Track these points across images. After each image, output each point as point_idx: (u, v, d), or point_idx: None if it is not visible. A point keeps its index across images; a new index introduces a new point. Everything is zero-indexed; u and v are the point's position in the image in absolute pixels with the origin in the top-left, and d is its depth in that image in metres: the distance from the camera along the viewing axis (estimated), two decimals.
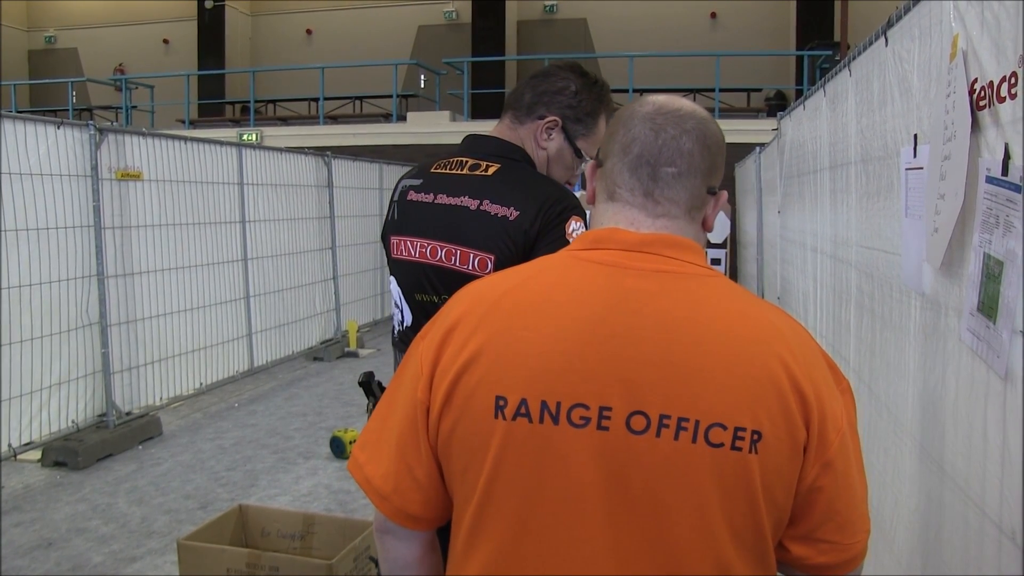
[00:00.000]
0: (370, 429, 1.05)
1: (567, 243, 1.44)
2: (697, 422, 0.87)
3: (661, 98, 1.03)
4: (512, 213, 1.57)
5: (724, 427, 0.87)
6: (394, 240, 1.72)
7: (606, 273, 0.95)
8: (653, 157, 0.99)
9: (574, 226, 1.57)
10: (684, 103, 1.02)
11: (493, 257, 1.56)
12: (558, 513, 0.90)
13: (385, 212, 1.82)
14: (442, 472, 0.99)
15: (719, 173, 1.03)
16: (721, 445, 0.87)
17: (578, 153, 1.73)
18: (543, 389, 0.90)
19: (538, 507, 0.91)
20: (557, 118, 1.70)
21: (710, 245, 9.86)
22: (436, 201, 1.66)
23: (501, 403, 0.91)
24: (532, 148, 1.72)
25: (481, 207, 1.59)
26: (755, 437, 0.87)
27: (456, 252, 1.60)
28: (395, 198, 1.76)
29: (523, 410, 0.90)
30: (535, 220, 1.55)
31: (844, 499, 0.93)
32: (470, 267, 1.58)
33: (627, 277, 0.94)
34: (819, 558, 0.95)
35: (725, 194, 1.05)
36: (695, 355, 0.89)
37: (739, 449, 0.87)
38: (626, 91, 12.08)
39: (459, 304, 1.01)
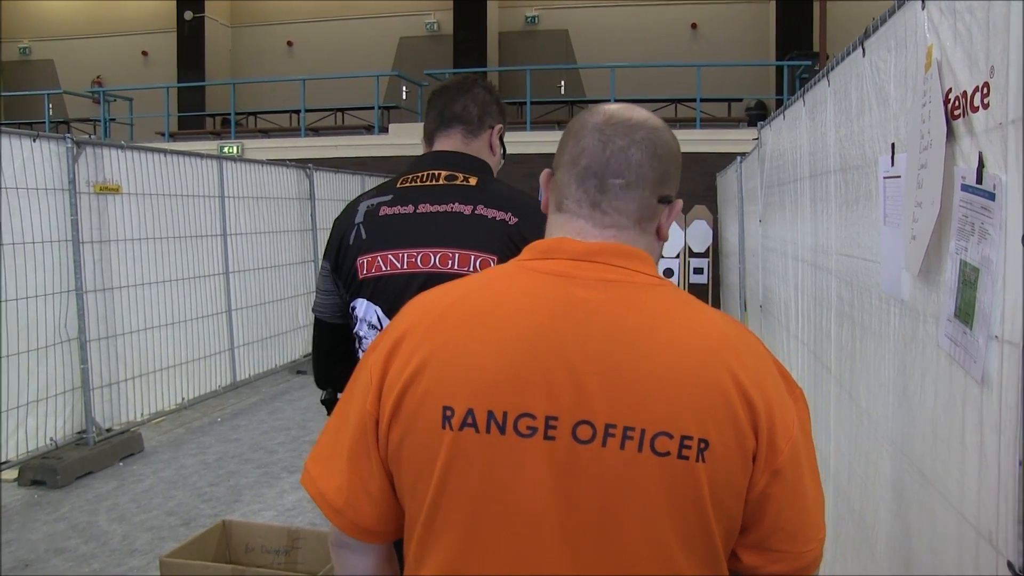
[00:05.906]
0: (323, 443, 1.04)
1: None
2: (643, 431, 0.87)
3: (613, 107, 1.02)
4: (511, 218, 1.60)
5: (670, 436, 0.87)
6: (363, 260, 1.67)
7: (553, 283, 0.95)
8: (600, 169, 0.98)
9: None
10: (637, 112, 1.01)
11: (496, 258, 1.57)
12: (507, 523, 0.90)
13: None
14: (393, 484, 0.98)
15: (672, 182, 1.02)
16: (667, 454, 0.87)
17: (504, 154, 1.86)
18: (489, 399, 0.90)
19: (487, 517, 0.90)
20: (502, 124, 1.82)
21: (692, 254, 9.92)
22: (419, 211, 1.65)
23: (448, 413, 0.91)
24: (488, 157, 1.78)
25: (476, 211, 1.62)
26: (702, 446, 0.87)
27: (454, 255, 1.60)
28: (357, 220, 1.71)
29: (470, 420, 0.90)
30: (532, 228, 1.56)
31: (795, 507, 0.93)
32: (471, 268, 1.59)
33: (574, 287, 0.94)
34: (771, 567, 0.95)
35: (680, 203, 1.04)
36: (641, 364, 0.89)
37: (686, 458, 0.87)
38: (608, 101, 12.12)
39: (407, 316, 1.01)
